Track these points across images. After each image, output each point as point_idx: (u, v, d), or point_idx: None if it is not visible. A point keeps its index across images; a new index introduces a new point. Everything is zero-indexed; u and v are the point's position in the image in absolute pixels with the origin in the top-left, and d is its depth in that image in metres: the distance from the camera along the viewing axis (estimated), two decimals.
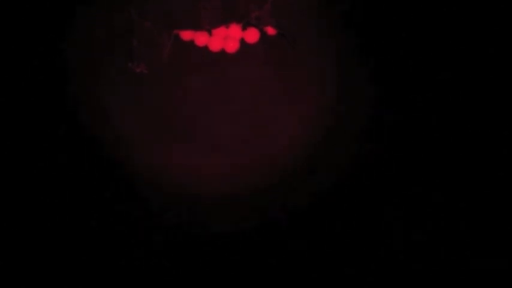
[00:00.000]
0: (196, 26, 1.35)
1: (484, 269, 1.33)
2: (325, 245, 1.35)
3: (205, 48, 1.38)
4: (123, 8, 1.35)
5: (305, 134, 1.38)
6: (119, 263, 1.34)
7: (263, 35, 1.38)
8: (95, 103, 1.36)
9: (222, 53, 1.38)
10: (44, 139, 1.35)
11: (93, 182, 1.35)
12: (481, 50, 1.38)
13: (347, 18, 1.38)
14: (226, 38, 1.37)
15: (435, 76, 1.38)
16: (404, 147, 1.37)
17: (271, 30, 1.37)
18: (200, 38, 1.36)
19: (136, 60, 1.35)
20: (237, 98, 1.38)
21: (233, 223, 1.36)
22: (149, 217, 1.36)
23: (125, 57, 1.36)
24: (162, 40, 1.35)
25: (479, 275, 1.33)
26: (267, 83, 1.38)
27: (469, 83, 1.38)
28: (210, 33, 1.37)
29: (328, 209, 1.36)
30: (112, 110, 1.37)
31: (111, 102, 1.37)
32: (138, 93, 1.37)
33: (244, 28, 1.37)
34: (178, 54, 1.37)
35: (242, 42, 1.38)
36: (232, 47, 1.37)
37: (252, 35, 1.37)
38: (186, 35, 1.36)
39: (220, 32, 1.36)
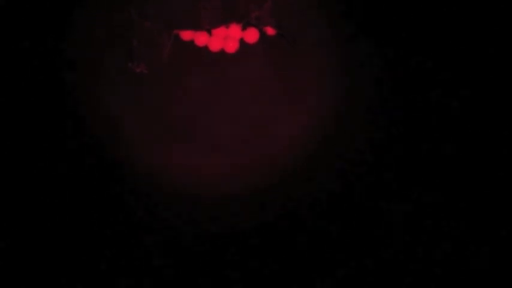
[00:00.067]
0: (196, 26, 1.35)
1: (484, 269, 1.33)
2: (325, 245, 1.35)
3: (205, 48, 1.38)
4: (123, 8, 1.35)
5: (305, 134, 1.38)
6: (118, 263, 1.34)
7: (263, 35, 1.38)
8: (95, 103, 1.36)
9: (222, 53, 1.38)
10: (44, 139, 1.35)
11: (93, 181, 1.35)
12: (481, 50, 1.38)
13: (347, 18, 1.38)
14: (226, 38, 1.37)
15: (435, 76, 1.38)
16: (404, 148, 1.37)
17: (270, 30, 1.37)
18: (200, 38, 1.37)
19: (136, 60, 1.35)
20: (237, 98, 1.38)
21: (233, 223, 1.36)
22: (149, 217, 1.36)
23: (125, 57, 1.36)
24: (162, 40, 1.35)
25: (479, 275, 1.33)
26: (267, 83, 1.38)
27: (469, 83, 1.38)
28: (210, 33, 1.37)
29: (328, 209, 1.36)
30: (112, 110, 1.37)
31: (111, 102, 1.37)
32: (138, 93, 1.38)
33: (244, 28, 1.37)
34: (178, 54, 1.37)
35: (242, 42, 1.38)
36: (232, 47, 1.37)
37: (252, 35, 1.37)
38: (186, 35, 1.37)
39: (220, 32, 1.36)
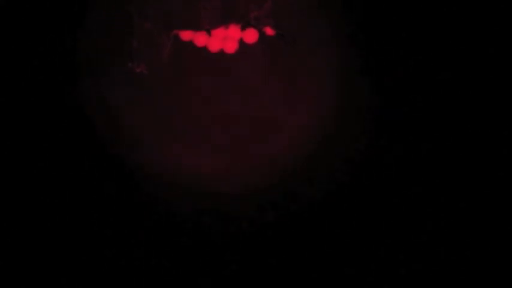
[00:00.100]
0: (195, 27, 1.35)
1: (483, 269, 1.33)
2: (325, 245, 1.35)
3: (205, 49, 1.38)
4: (123, 8, 1.35)
5: (305, 134, 1.38)
6: (118, 263, 1.34)
7: (262, 35, 1.38)
8: (94, 104, 1.37)
9: (222, 53, 1.38)
10: (44, 139, 1.36)
11: (93, 181, 1.35)
12: (481, 50, 1.37)
13: (347, 18, 1.38)
14: (225, 39, 1.37)
15: (436, 76, 1.38)
16: (404, 148, 1.37)
17: (270, 31, 1.37)
18: (199, 39, 1.37)
19: (136, 61, 1.36)
20: (236, 99, 1.38)
21: (233, 223, 1.36)
22: (149, 217, 1.36)
23: (125, 57, 1.36)
24: (162, 40, 1.35)
25: (479, 275, 1.33)
26: (266, 83, 1.38)
27: (469, 83, 1.37)
28: (209, 34, 1.37)
29: (328, 209, 1.36)
30: (111, 111, 1.37)
31: (111, 102, 1.37)
32: (137, 93, 1.38)
33: (243, 28, 1.37)
34: (178, 55, 1.37)
35: (242, 42, 1.38)
36: (231, 47, 1.37)
37: (251, 36, 1.37)
38: (186, 35, 1.37)
39: (219, 32, 1.36)
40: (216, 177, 1.36)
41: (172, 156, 1.37)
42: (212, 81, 1.38)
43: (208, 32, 1.37)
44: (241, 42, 1.38)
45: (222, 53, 1.38)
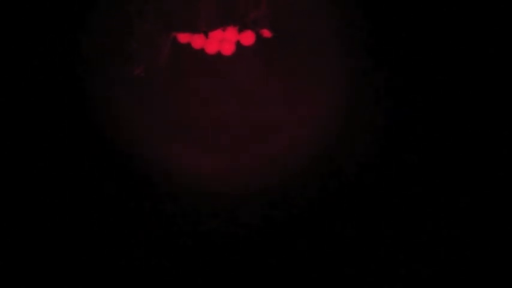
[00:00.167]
0: (193, 29, 1.36)
1: (484, 269, 1.33)
2: (325, 245, 1.35)
3: (202, 51, 1.38)
4: (121, 10, 1.35)
5: (305, 135, 1.38)
6: (118, 263, 1.34)
7: (259, 37, 1.38)
8: (92, 104, 1.37)
9: (221, 55, 1.38)
10: (44, 139, 1.36)
11: (92, 182, 1.35)
12: (481, 50, 1.37)
13: (347, 18, 1.38)
14: (223, 41, 1.37)
15: (436, 76, 1.38)
16: (405, 148, 1.37)
17: (266, 33, 1.38)
18: (197, 41, 1.37)
19: (134, 63, 1.36)
20: (237, 99, 1.38)
21: (233, 223, 1.36)
22: (149, 217, 1.36)
23: (125, 58, 1.36)
24: (160, 42, 1.35)
25: (479, 275, 1.33)
26: (267, 83, 1.38)
27: (470, 83, 1.37)
28: (206, 36, 1.37)
29: (328, 209, 1.36)
30: (110, 111, 1.37)
31: (110, 103, 1.37)
32: (137, 94, 1.38)
33: (240, 31, 1.37)
34: (176, 56, 1.37)
35: (238, 44, 1.38)
36: (228, 49, 1.37)
37: (248, 38, 1.37)
38: (183, 37, 1.37)
39: (216, 34, 1.36)
40: (216, 177, 1.36)
41: (173, 156, 1.37)
42: (212, 82, 1.38)
43: (206, 34, 1.37)
44: (240, 43, 1.38)
45: (220, 54, 1.38)
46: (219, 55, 1.38)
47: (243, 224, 1.36)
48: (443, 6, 1.37)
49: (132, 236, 1.35)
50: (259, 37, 1.38)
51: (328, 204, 1.36)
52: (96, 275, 1.34)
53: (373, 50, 1.38)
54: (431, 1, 1.37)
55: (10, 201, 1.35)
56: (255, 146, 1.37)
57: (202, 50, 1.38)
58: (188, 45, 1.37)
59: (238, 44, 1.38)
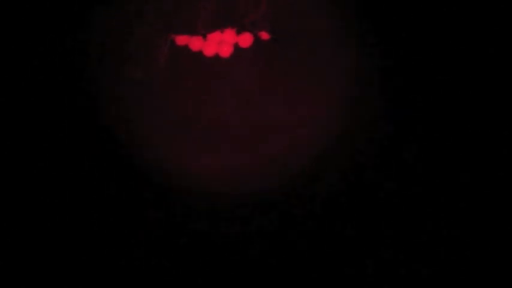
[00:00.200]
0: (191, 31, 1.36)
1: (484, 269, 1.33)
2: (325, 245, 1.35)
3: (200, 53, 1.38)
4: (120, 12, 1.35)
5: (305, 135, 1.38)
6: (118, 263, 1.34)
7: (257, 39, 1.38)
8: (91, 105, 1.37)
9: (216, 57, 1.38)
10: (44, 139, 1.36)
11: (92, 182, 1.35)
12: (482, 50, 1.37)
13: (347, 18, 1.38)
14: (221, 43, 1.37)
15: (436, 76, 1.38)
16: (405, 148, 1.37)
17: (265, 35, 1.38)
18: (194, 43, 1.37)
19: (132, 65, 1.36)
20: (236, 99, 1.38)
21: (233, 223, 1.36)
22: (148, 217, 1.36)
23: (123, 60, 1.36)
24: (159, 44, 1.35)
25: (479, 275, 1.33)
26: (266, 84, 1.38)
27: (470, 83, 1.37)
28: (205, 38, 1.37)
29: (328, 209, 1.36)
30: (110, 112, 1.37)
31: (110, 103, 1.37)
32: (137, 94, 1.38)
33: (238, 33, 1.37)
34: (173, 59, 1.37)
35: (240, 45, 1.39)
36: (226, 51, 1.37)
37: (246, 40, 1.37)
38: (181, 39, 1.37)
39: (214, 36, 1.37)
40: (216, 177, 1.36)
41: (172, 156, 1.37)
42: (212, 82, 1.38)
43: (204, 36, 1.37)
44: (236, 46, 1.39)
45: (218, 56, 1.38)
46: (217, 57, 1.38)
47: (243, 224, 1.36)
48: (443, 6, 1.37)
49: (132, 236, 1.35)
50: (257, 39, 1.38)
51: (328, 204, 1.36)
52: (96, 275, 1.34)
53: (373, 50, 1.38)
54: (432, 1, 1.37)
55: (10, 201, 1.35)
56: (255, 146, 1.37)
57: (200, 52, 1.38)
58: (186, 48, 1.37)
59: (237, 46, 1.38)
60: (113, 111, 1.37)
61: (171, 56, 1.37)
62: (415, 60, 1.38)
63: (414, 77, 1.38)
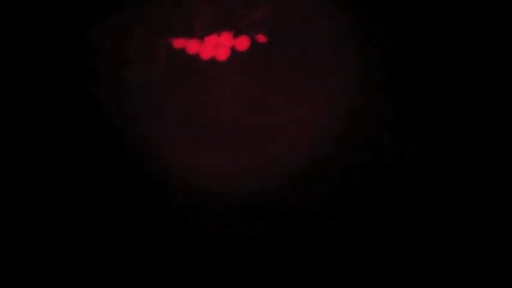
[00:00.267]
0: (188, 34, 1.36)
1: (484, 269, 1.33)
2: (325, 245, 1.35)
3: (196, 56, 1.38)
4: (117, 15, 1.35)
5: (305, 135, 1.38)
6: (118, 263, 1.34)
7: (254, 42, 1.38)
8: (90, 105, 1.37)
9: (219, 59, 1.38)
10: (44, 139, 1.36)
11: (92, 182, 1.35)
12: (482, 50, 1.37)
13: (347, 18, 1.38)
14: (217, 46, 1.37)
15: (436, 76, 1.38)
16: (405, 148, 1.37)
17: (261, 38, 1.38)
18: (192, 46, 1.37)
19: (130, 67, 1.36)
20: (236, 100, 1.38)
21: (233, 223, 1.36)
22: (148, 217, 1.36)
23: (119, 64, 1.36)
24: (156, 48, 1.35)
25: (479, 275, 1.33)
26: (266, 84, 1.38)
27: (470, 83, 1.37)
28: (202, 41, 1.37)
29: (328, 209, 1.36)
30: (109, 113, 1.37)
31: (110, 104, 1.37)
32: (137, 94, 1.38)
33: (235, 36, 1.37)
34: (175, 60, 1.37)
35: (237, 48, 1.39)
36: (222, 54, 1.37)
37: (243, 43, 1.37)
38: (178, 43, 1.37)
39: (211, 40, 1.37)
40: (216, 177, 1.36)
41: (173, 156, 1.37)
42: (212, 83, 1.38)
43: (201, 39, 1.37)
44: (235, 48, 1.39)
45: (215, 60, 1.38)
46: (213, 60, 1.38)
47: (243, 224, 1.36)
48: (443, 6, 1.37)
49: (132, 236, 1.35)
50: (254, 41, 1.38)
51: (328, 204, 1.36)
52: (96, 275, 1.34)
53: (373, 50, 1.38)
54: (432, 1, 1.37)
55: (10, 201, 1.35)
56: (255, 146, 1.38)
57: (197, 55, 1.38)
58: (183, 51, 1.37)
59: (234, 49, 1.38)
60: (112, 111, 1.37)
61: (169, 59, 1.37)
62: (415, 60, 1.38)
63: (414, 77, 1.38)
